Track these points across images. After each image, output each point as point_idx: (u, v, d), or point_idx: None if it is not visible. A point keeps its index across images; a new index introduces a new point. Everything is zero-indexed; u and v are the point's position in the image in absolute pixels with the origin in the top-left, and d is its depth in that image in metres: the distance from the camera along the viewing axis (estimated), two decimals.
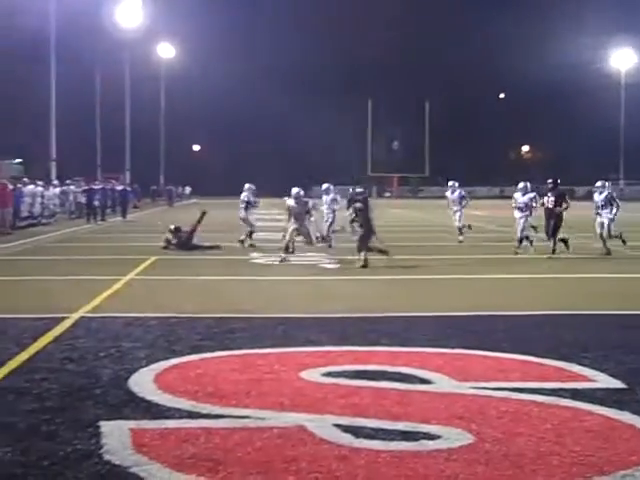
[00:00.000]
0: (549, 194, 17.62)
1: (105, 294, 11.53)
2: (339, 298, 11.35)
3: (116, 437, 5.08)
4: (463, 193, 21.99)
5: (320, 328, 8.88)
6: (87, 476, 4.48)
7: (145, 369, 6.84)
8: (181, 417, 5.53)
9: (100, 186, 35.08)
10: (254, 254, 17.77)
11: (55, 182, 36.86)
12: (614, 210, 17.73)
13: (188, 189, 72.84)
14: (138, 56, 63.65)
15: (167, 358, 7.27)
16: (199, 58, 77.98)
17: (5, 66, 64.96)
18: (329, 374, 6.69)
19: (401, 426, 5.29)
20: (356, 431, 5.18)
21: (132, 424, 5.36)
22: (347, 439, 5.04)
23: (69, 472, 4.52)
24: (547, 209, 17.46)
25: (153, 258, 16.71)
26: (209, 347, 7.79)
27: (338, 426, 5.29)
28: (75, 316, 9.50)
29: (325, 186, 20.99)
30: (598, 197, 18.12)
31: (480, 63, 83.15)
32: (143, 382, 6.39)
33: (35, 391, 6.15)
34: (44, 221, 30.10)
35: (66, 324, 8.99)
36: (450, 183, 22.38)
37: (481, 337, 8.31)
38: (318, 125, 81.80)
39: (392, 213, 41.15)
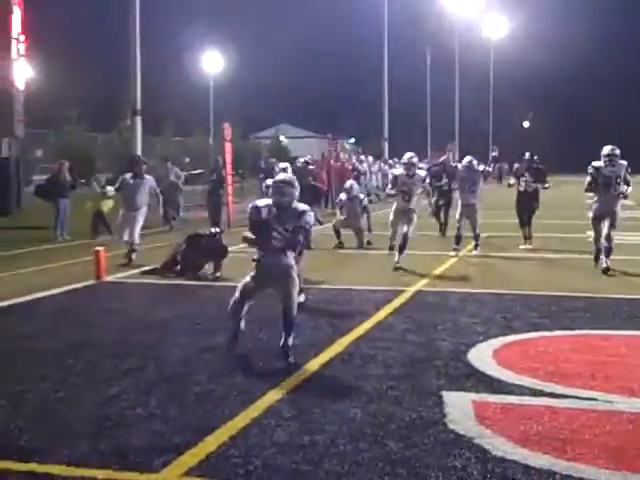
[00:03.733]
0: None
1: (440, 269, 11.73)
2: None
3: (459, 408, 5.14)
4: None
5: None
6: (433, 442, 4.58)
7: (484, 344, 6.85)
8: (522, 394, 5.46)
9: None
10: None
11: (390, 161, 38.15)
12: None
13: (516, 166, 71.49)
14: (467, 34, 63.67)
15: (505, 334, 7.23)
16: (531, 35, 76.28)
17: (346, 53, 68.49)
18: None
19: None
20: None
21: (474, 397, 5.40)
22: None
23: (416, 437, 4.66)
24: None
25: (485, 234, 16.62)
26: (547, 325, 7.62)
27: None
28: (412, 289, 9.78)
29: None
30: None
31: None
32: (483, 357, 6.41)
33: (380, 358, 6.42)
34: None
35: (404, 297, 9.28)
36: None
37: None
38: None
39: None
